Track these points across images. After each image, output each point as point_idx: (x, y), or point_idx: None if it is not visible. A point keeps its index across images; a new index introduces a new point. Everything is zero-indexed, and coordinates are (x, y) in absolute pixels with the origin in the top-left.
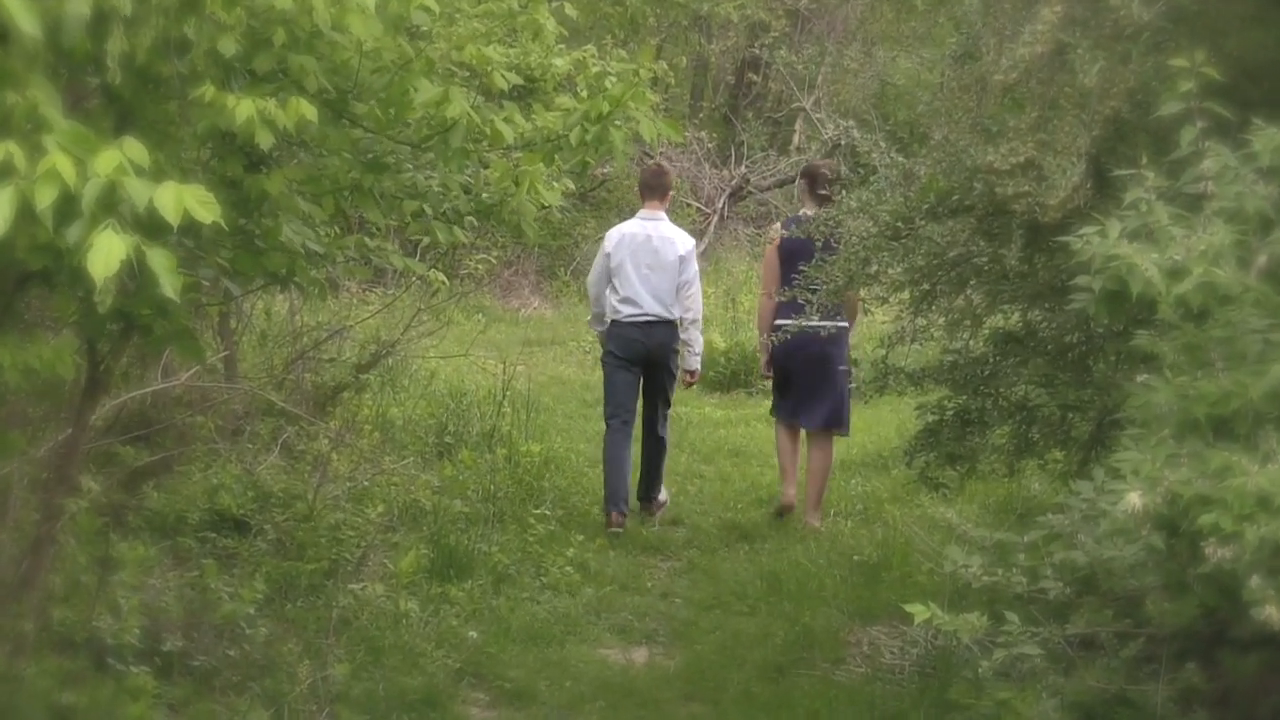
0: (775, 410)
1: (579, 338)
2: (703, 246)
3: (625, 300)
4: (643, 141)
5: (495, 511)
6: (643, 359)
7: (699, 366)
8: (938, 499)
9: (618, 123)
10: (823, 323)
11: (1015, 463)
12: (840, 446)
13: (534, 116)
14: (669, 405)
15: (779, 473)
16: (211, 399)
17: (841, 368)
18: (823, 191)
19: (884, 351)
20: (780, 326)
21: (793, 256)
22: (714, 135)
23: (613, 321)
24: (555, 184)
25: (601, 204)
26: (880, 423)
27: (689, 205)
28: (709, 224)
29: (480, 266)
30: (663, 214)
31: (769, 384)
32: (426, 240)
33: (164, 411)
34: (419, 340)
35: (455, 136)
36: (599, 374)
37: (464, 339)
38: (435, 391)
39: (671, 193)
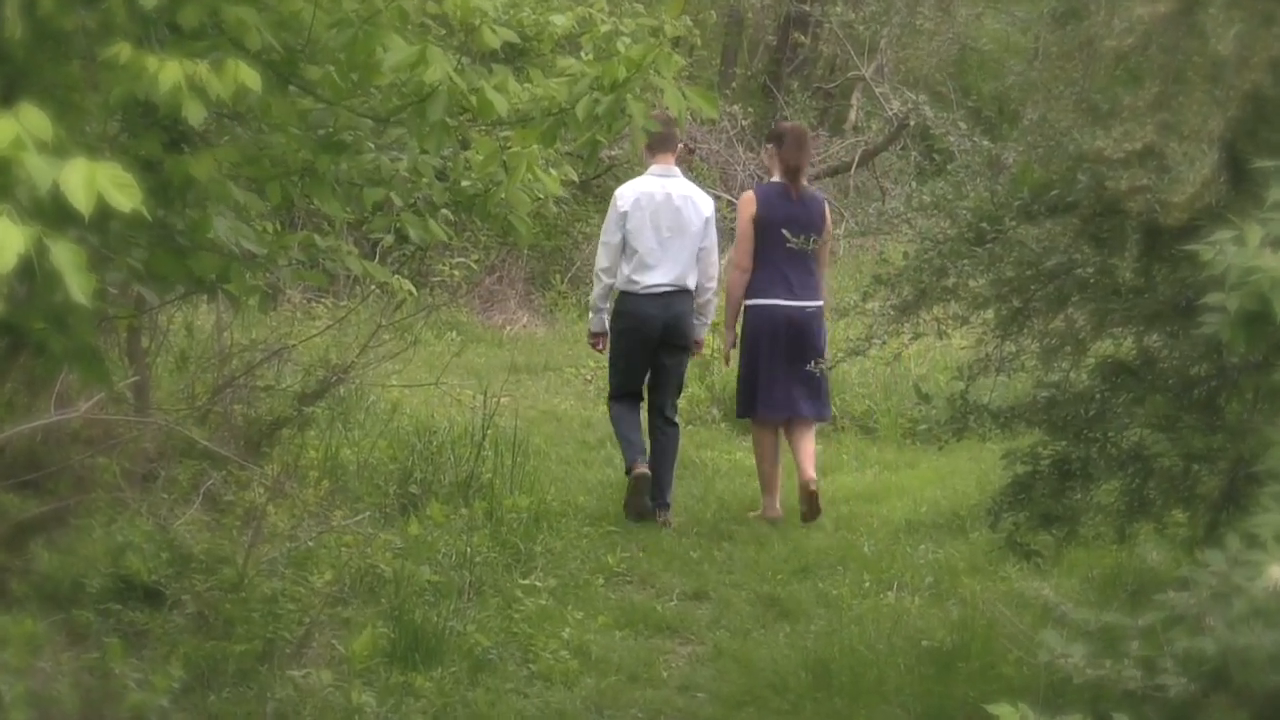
0: (749, 407)
1: (578, 362)
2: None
3: (642, 268)
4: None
5: (472, 581)
6: (658, 335)
7: (704, 337)
8: (1029, 570)
9: (637, 92)
10: (803, 301)
11: (1127, 526)
12: (906, 504)
13: (531, 84)
14: (682, 389)
15: (761, 482)
16: (117, 435)
17: (823, 350)
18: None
19: (962, 385)
20: (758, 306)
21: (769, 227)
22: (750, 110)
23: (624, 294)
24: (553, 170)
25: (607, 195)
26: (957, 474)
27: (719, 197)
28: None
29: (456, 273)
30: (676, 169)
31: (748, 378)
32: (389, 240)
33: (58, 450)
34: (378, 365)
35: (434, 108)
36: (602, 409)
37: (435, 363)
38: (398, 429)
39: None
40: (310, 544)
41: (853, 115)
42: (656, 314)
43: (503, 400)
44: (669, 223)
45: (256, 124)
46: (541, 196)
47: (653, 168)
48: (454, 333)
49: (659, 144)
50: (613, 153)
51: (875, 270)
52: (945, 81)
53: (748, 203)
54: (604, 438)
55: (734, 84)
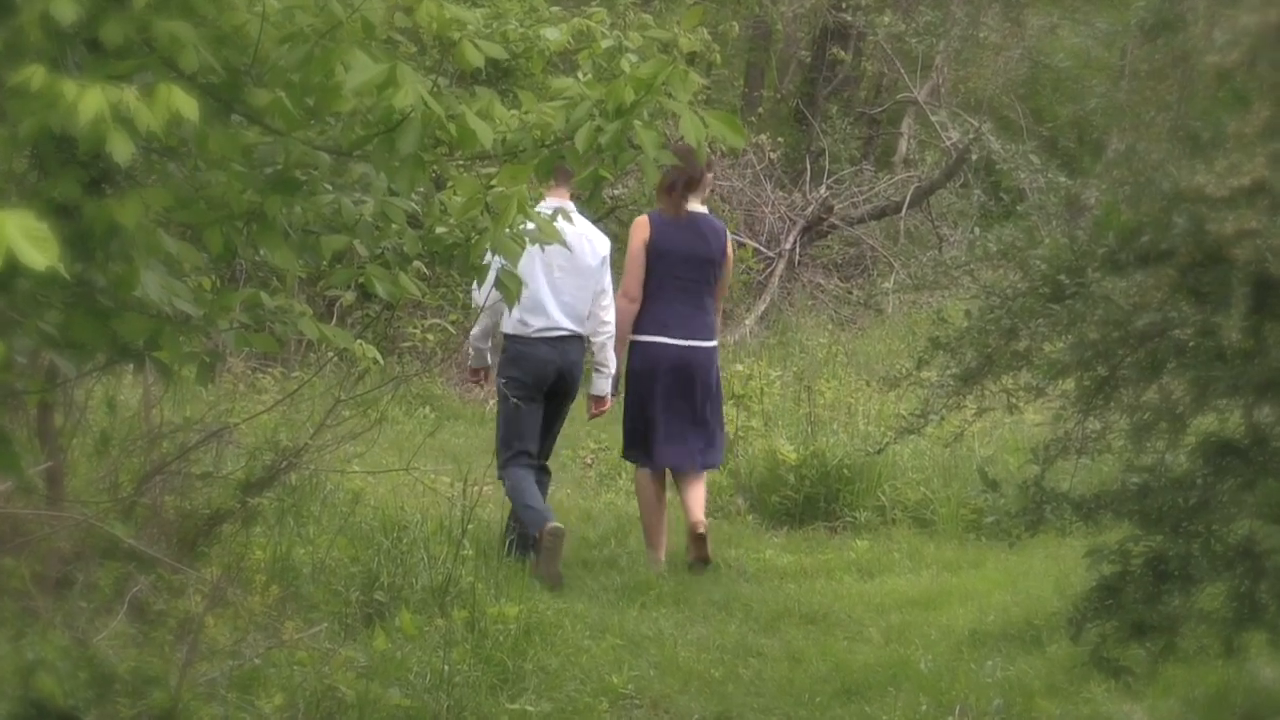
0: (635, 451)
1: (575, 443)
2: (762, 307)
3: (532, 310)
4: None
5: (451, 705)
6: (550, 384)
7: (609, 391)
8: (1118, 691)
9: (647, 118)
10: (697, 340)
11: (1235, 636)
12: (971, 611)
13: (521, 109)
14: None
15: (645, 533)
16: (26, 532)
17: (717, 392)
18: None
19: (1037, 469)
20: (644, 344)
21: (663, 257)
22: (780, 140)
23: (512, 337)
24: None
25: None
26: (1030, 575)
27: (741, 244)
28: (771, 273)
29: (430, 337)
30: (571, 203)
31: (633, 420)
32: (350, 298)
33: None
34: (337, 447)
35: (405, 138)
36: (605, 498)
37: (404, 445)
38: (361, 524)
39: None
40: (257, 662)
41: (903, 146)
42: (552, 359)
43: (486, 489)
44: (560, 261)
45: (193, 160)
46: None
47: (547, 199)
48: (427, 408)
49: (556, 175)
50: (617, 191)
51: (932, 332)
52: (1014, 105)
53: (640, 227)
54: (607, 534)
55: (761, 109)
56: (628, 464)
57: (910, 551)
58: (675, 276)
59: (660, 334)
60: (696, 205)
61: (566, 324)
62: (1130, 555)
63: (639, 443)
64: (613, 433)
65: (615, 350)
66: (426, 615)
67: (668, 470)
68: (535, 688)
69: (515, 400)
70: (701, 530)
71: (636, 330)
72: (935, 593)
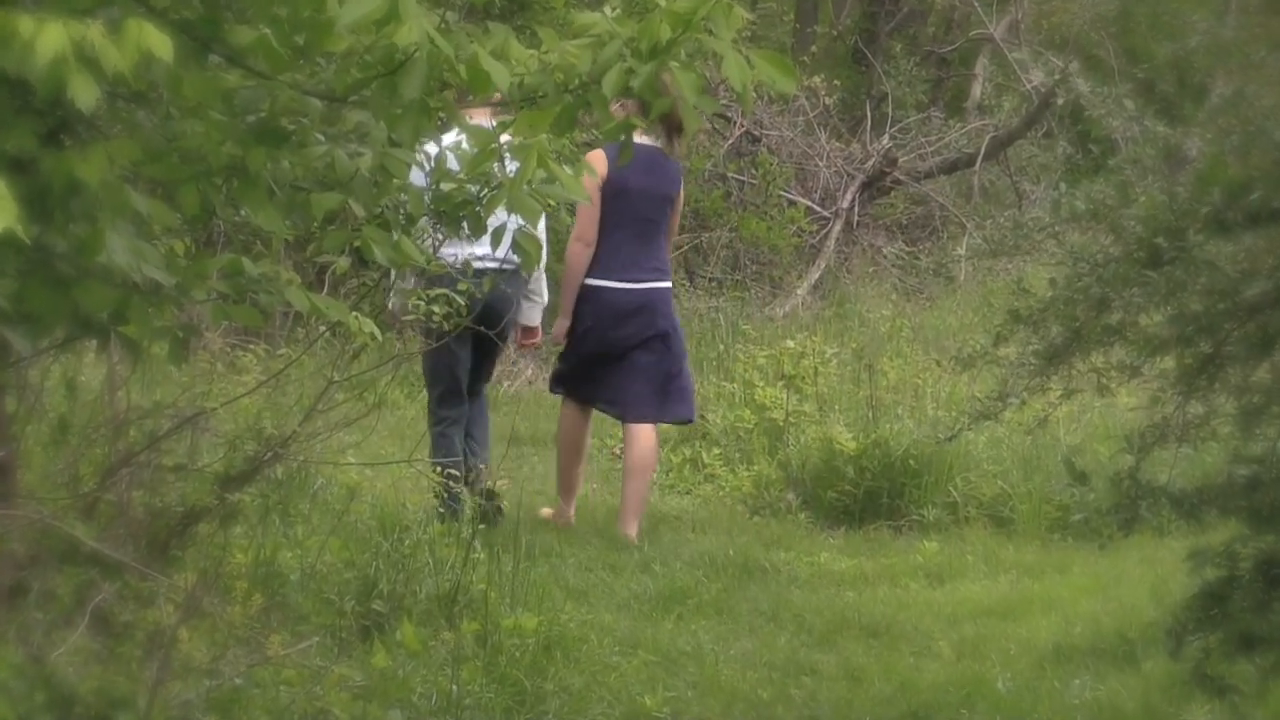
0: (563, 381)
1: (602, 430)
2: (815, 275)
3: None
4: (722, 91)
5: None
6: (481, 320)
7: (538, 322)
8: (1223, 711)
9: (685, 58)
10: (653, 282)
11: None
12: (1055, 623)
13: (541, 49)
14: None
15: (558, 479)
16: None
17: (674, 334)
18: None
19: (1131, 459)
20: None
21: (620, 195)
22: (836, 83)
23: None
24: (568, 166)
25: None
26: (1123, 581)
27: (792, 203)
28: (827, 234)
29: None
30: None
31: (573, 360)
32: (344, 265)
33: None
34: (329, 435)
35: (409, 82)
36: None
37: (407, 434)
38: (357, 523)
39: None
40: (238, 681)
41: (977, 90)
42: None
43: (500, 483)
44: None
45: (165, 108)
46: (554, 204)
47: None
48: None
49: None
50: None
51: (1010, 303)
52: (1104, 43)
53: (597, 162)
54: (639, 534)
55: (814, 47)
56: (660, 456)
57: (986, 554)
58: (633, 216)
59: (616, 278)
60: (647, 138)
61: (498, 255)
62: (1238, 558)
63: (571, 372)
64: None
65: (566, 297)
66: (432, 628)
67: (600, 419)
68: (556, 711)
69: (441, 336)
70: (630, 534)
71: (592, 274)
72: (1014, 601)
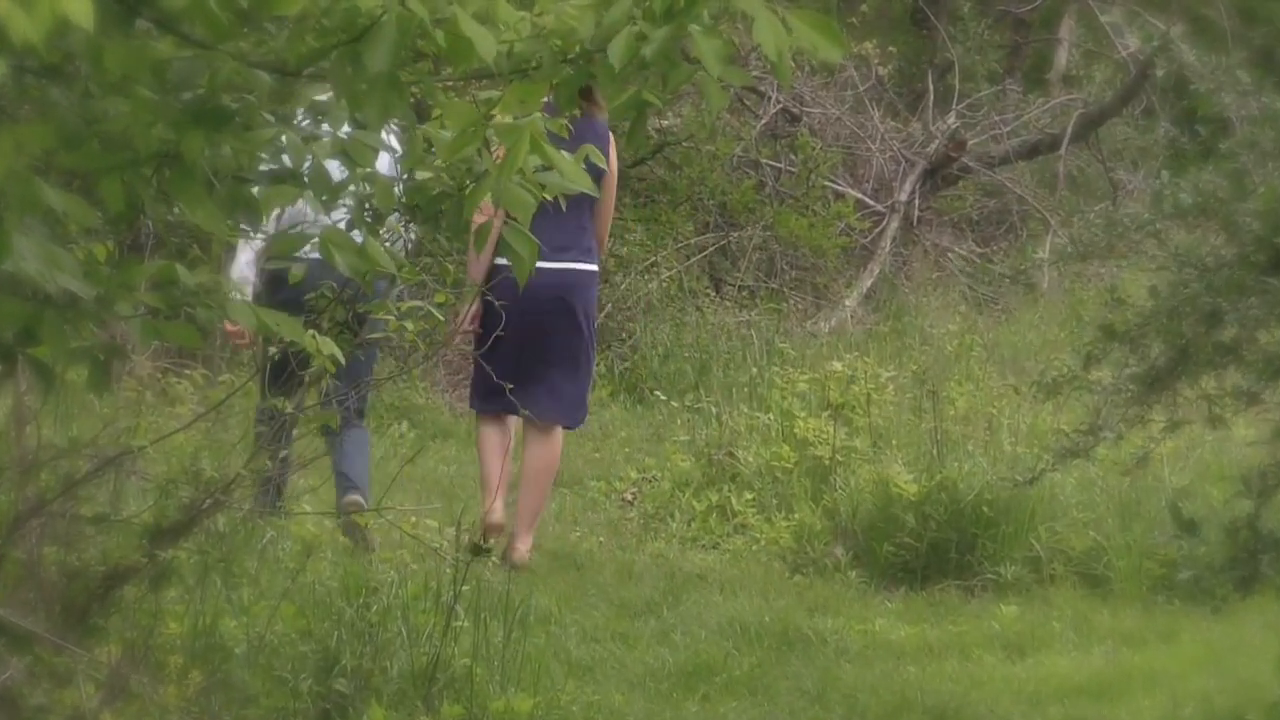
0: (479, 396)
1: (610, 471)
2: (868, 282)
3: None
4: (754, 60)
5: None
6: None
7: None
8: None
9: (707, 20)
10: (569, 262)
11: None
12: (1160, 703)
13: (534, 8)
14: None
15: (481, 482)
16: None
17: (593, 331)
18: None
19: (1250, 505)
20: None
21: None
22: (892, 50)
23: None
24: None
25: (655, 191)
26: (1240, 652)
27: (839, 195)
28: (881, 233)
29: (409, 325)
30: None
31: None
32: (298, 273)
33: None
34: (281, 479)
35: (376, 51)
36: (652, 548)
37: (375, 475)
38: (315, 585)
39: None
40: None
41: (1062, 58)
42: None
43: (488, 540)
44: None
45: (84, 84)
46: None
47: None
48: (405, 425)
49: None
50: (666, 121)
51: (1104, 316)
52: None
53: None
54: (655, 597)
55: (865, 6)
56: (681, 502)
57: (1076, 620)
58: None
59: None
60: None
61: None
62: None
63: (490, 387)
64: (659, 457)
65: (471, 276)
66: (406, 711)
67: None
68: None
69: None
70: (518, 560)
71: (498, 252)
72: (1111, 677)
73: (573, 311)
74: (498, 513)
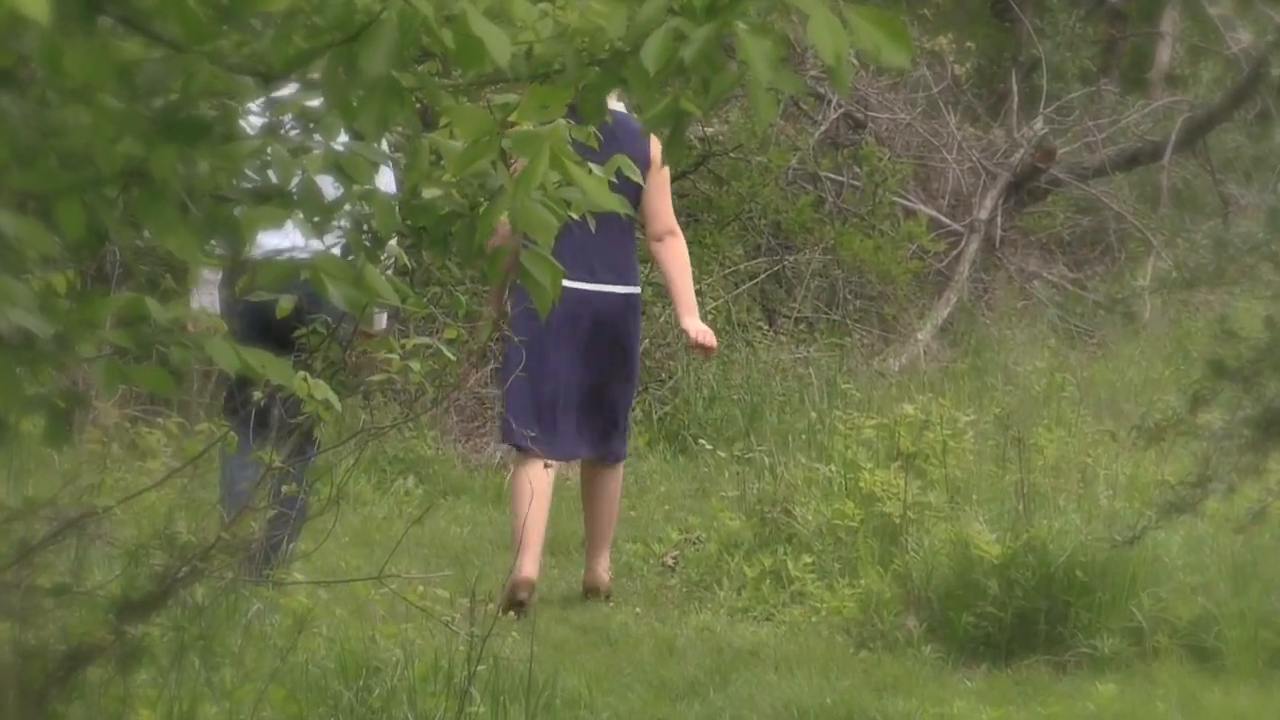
0: (514, 431)
1: (647, 531)
2: (944, 312)
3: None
4: (811, 59)
5: None
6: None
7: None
8: None
9: (754, 17)
10: (610, 284)
11: None
12: None
13: (555, 4)
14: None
15: (513, 535)
16: None
17: (638, 358)
18: None
19: None
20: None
21: None
22: (970, 45)
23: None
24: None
25: (698, 209)
26: None
27: (910, 213)
28: (959, 256)
29: (415, 366)
30: None
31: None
32: (286, 305)
33: None
34: (269, 542)
35: (373, 53)
36: (696, 620)
37: (376, 538)
38: (308, 664)
39: None
40: None
41: (1165, 55)
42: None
43: (506, 611)
44: None
45: (40, 90)
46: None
47: None
48: (411, 479)
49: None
50: (710, 129)
51: (1214, 351)
52: None
53: None
54: (700, 676)
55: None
56: (730, 567)
57: (1183, 699)
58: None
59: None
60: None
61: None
62: None
63: (520, 420)
64: (705, 515)
65: (496, 289)
66: None
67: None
68: None
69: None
70: (600, 588)
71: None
72: None
73: (621, 339)
74: (529, 567)
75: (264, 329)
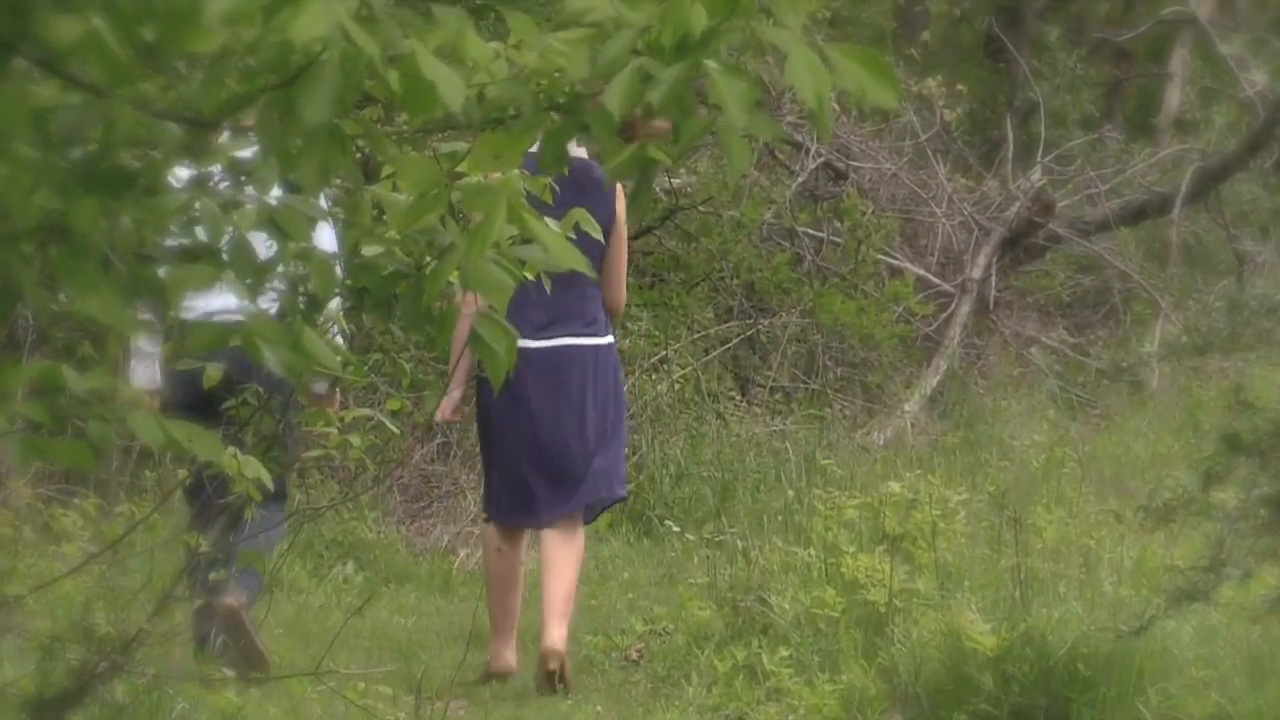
0: (498, 506)
1: (611, 617)
2: (933, 380)
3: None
4: (789, 103)
5: None
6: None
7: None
8: None
9: (725, 56)
10: (572, 337)
11: None
12: None
13: (510, 44)
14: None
15: (490, 616)
16: None
17: (616, 409)
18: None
19: None
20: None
21: None
22: (961, 88)
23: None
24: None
25: (666, 269)
26: None
27: (896, 272)
28: (948, 322)
29: (355, 440)
30: None
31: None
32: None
33: None
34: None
35: (314, 97)
36: (667, 718)
37: (312, 630)
38: None
39: None
40: None
41: (1174, 98)
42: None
43: (455, 709)
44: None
45: None
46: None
47: None
48: (351, 566)
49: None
50: (678, 181)
51: (1228, 424)
52: None
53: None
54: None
55: (927, 34)
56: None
57: None
58: None
59: (529, 334)
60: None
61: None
62: None
63: (501, 490)
64: (672, 604)
65: (453, 358)
66: None
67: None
68: None
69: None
70: (552, 665)
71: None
72: None
73: (577, 389)
74: (508, 654)
75: (209, 399)
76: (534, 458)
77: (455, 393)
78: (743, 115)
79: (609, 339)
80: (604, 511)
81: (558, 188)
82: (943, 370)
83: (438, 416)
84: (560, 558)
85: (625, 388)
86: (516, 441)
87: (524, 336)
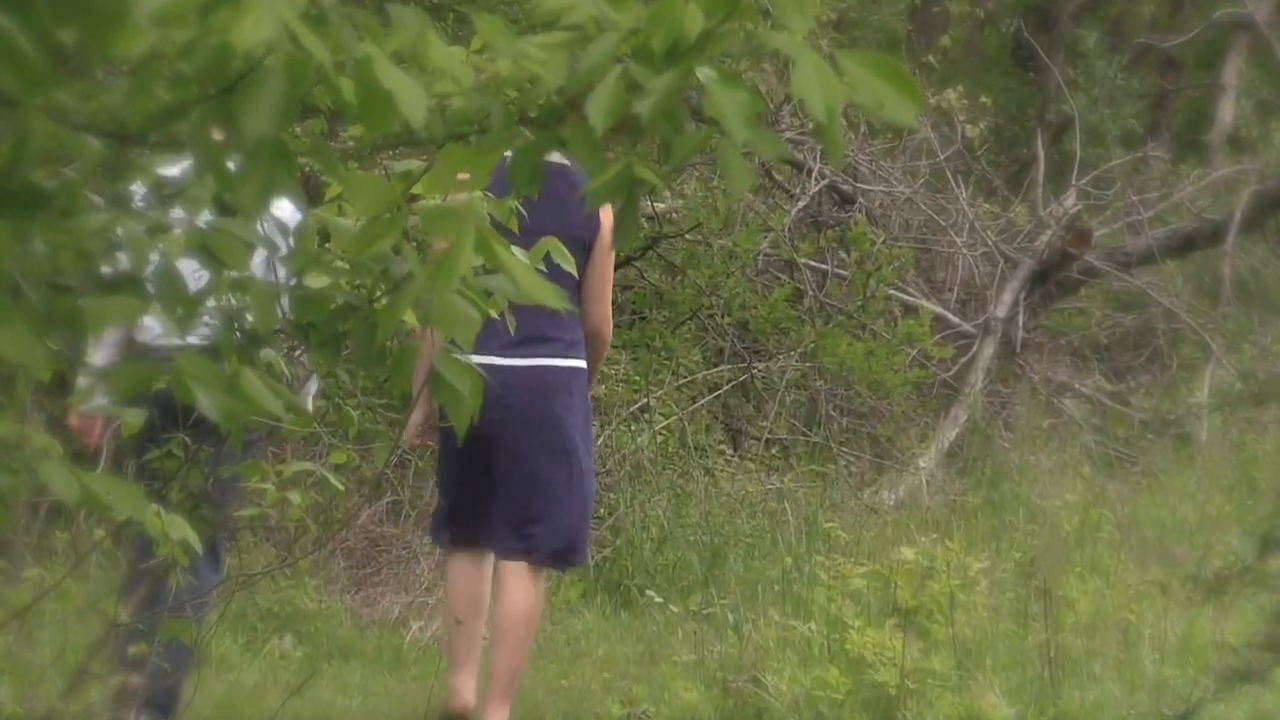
0: (442, 524)
1: (585, 699)
2: (952, 433)
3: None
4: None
5: None
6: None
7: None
8: None
9: (719, 63)
10: (540, 358)
11: None
12: None
13: (477, 48)
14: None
15: (447, 649)
16: None
17: (585, 442)
18: None
19: None
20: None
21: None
22: (985, 101)
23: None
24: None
25: (648, 306)
26: None
27: (910, 307)
28: (971, 363)
29: (294, 497)
30: None
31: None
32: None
33: None
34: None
35: (255, 107)
36: None
37: (245, 712)
38: None
39: None
40: None
41: (1227, 113)
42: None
43: None
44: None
45: None
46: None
47: None
48: (289, 638)
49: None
50: (661, 205)
51: None
52: None
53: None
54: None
55: (947, 40)
56: None
57: None
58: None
59: (483, 351)
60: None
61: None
62: None
63: (456, 512)
64: (654, 685)
65: (417, 380)
66: None
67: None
68: None
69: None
70: None
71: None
72: None
73: (551, 415)
74: (466, 691)
75: (176, 414)
76: (495, 480)
77: (417, 415)
78: (743, 130)
79: (583, 361)
80: (561, 569)
81: (545, 195)
82: (962, 421)
83: (403, 442)
84: (511, 615)
85: (593, 426)
86: (487, 456)
87: (510, 356)
